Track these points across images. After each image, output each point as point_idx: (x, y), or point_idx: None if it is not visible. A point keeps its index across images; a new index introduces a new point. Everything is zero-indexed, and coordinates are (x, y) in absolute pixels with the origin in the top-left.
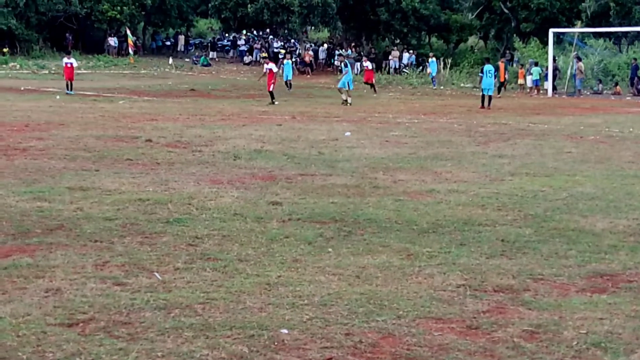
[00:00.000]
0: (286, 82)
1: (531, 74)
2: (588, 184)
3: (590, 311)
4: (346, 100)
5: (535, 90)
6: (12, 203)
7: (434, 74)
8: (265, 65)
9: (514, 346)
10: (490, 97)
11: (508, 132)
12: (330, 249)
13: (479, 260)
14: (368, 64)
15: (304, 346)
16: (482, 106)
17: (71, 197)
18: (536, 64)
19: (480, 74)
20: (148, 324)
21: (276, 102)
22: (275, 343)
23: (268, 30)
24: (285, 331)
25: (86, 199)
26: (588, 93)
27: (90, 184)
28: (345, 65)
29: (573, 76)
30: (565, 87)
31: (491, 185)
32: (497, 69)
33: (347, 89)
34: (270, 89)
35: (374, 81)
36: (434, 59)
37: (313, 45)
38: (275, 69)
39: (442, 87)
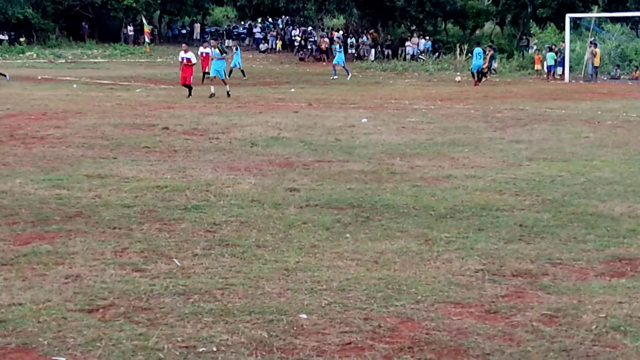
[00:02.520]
0: (233, 70)
1: (546, 59)
2: (606, 169)
3: (609, 295)
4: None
5: (550, 76)
6: (31, 191)
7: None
8: (201, 49)
9: (533, 330)
10: (479, 73)
11: (525, 118)
12: (348, 235)
13: (497, 245)
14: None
15: (322, 331)
16: (476, 82)
17: (89, 184)
18: (550, 50)
19: (470, 55)
20: (167, 309)
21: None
22: (294, 328)
23: (286, 18)
24: (304, 316)
25: (104, 187)
26: (605, 78)
27: (108, 171)
28: (340, 47)
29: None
30: (583, 73)
31: (508, 171)
32: (484, 54)
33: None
34: (189, 82)
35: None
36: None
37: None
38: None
39: (458, 73)
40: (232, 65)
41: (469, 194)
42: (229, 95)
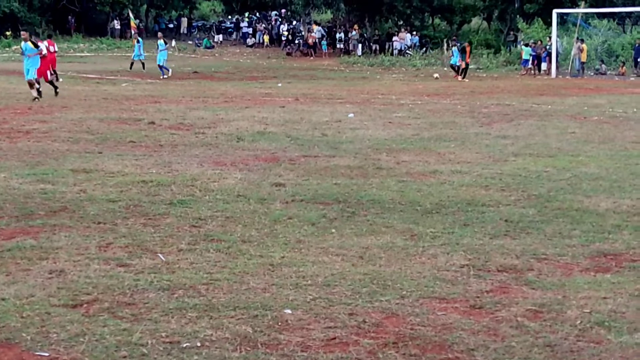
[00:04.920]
0: (161, 66)
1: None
2: (592, 164)
3: (594, 290)
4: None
5: (525, 71)
6: (16, 185)
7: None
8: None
9: (518, 325)
10: (458, 67)
11: (511, 113)
12: (333, 230)
13: (482, 241)
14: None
15: (307, 326)
16: (456, 75)
17: (74, 179)
18: (527, 45)
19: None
20: (152, 304)
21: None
22: (279, 323)
23: (274, 12)
24: (289, 311)
25: (89, 181)
26: (592, 74)
27: (93, 166)
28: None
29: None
30: (569, 68)
31: (495, 166)
32: (463, 50)
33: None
34: (49, 79)
35: None
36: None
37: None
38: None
39: (445, 69)
40: (136, 57)
41: (455, 189)
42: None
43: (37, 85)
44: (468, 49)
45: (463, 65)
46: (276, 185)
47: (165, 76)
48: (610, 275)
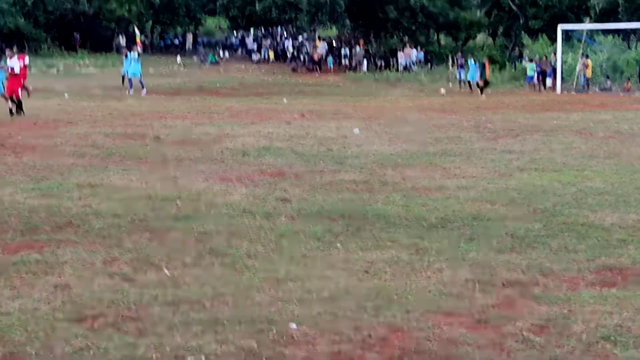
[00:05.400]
0: (123, 77)
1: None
2: (597, 179)
3: (599, 305)
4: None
5: (532, 87)
6: (21, 200)
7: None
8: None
9: (523, 340)
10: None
11: (517, 128)
12: (339, 245)
13: (488, 255)
14: None
15: (312, 341)
16: (472, 91)
17: (80, 193)
18: (531, 61)
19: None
20: (157, 319)
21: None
22: (284, 338)
23: (278, 28)
24: (294, 326)
25: (95, 196)
26: (597, 90)
27: (98, 180)
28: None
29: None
30: (574, 84)
31: (500, 181)
32: (482, 67)
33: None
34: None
35: None
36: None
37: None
38: (17, 69)
39: (450, 84)
40: (128, 73)
41: (460, 204)
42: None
43: (8, 104)
44: (487, 65)
45: (482, 83)
46: (282, 200)
47: (131, 91)
48: (616, 289)
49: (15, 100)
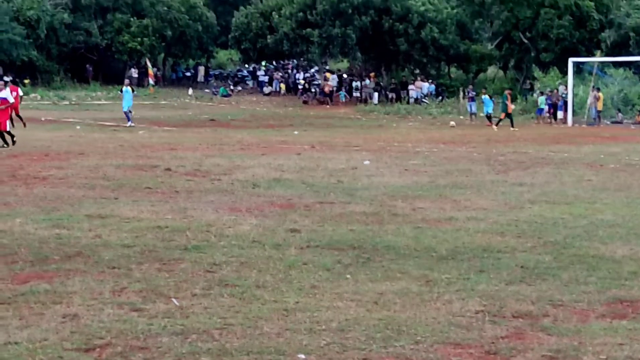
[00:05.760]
0: (126, 113)
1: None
2: (608, 212)
3: (609, 337)
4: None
5: (540, 119)
6: (31, 230)
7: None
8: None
9: None
10: (507, 116)
11: (528, 161)
12: (348, 275)
13: (497, 287)
14: None
15: None
16: (491, 124)
17: (90, 224)
18: (542, 94)
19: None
20: (165, 349)
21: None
22: None
23: (294, 60)
24: (303, 356)
25: (105, 227)
26: (608, 122)
27: (109, 211)
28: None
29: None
30: (586, 117)
31: (510, 213)
32: (505, 99)
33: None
34: (7, 128)
35: None
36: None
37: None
38: (11, 99)
39: (461, 117)
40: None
41: (470, 235)
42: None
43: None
44: (509, 97)
45: (502, 116)
46: (291, 231)
47: (132, 124)
48: (627, 321)
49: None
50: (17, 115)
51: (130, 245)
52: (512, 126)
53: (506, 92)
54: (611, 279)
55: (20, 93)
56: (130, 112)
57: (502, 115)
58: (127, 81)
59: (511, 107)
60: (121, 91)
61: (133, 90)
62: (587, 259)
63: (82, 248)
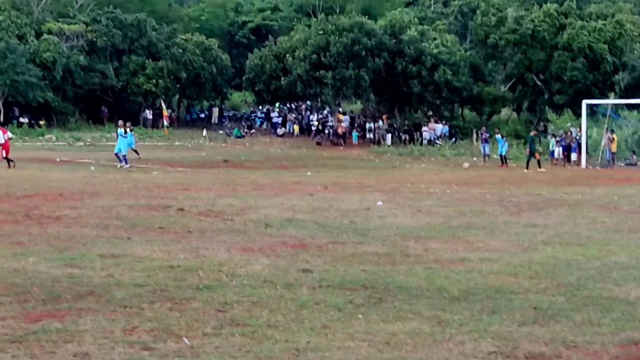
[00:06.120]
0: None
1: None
2: (622, 253)
3: None
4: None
5: (555, 162)
6: (44, 269)
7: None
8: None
9: None
10: (532, 156)
11: (541, 202)
12: (360, 316)
13: (510, 328)
14: None
15: None
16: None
17: (102, 263)
18: (553, 136)
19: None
20: None
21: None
22: None
23: (308, 102)
24: None
25: (117, 266)
26: (622, 164)
27: (121, 251)
28: (131, 131)
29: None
30: (599, 159)
31: (523, 254)
32: (531, 141)
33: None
34: None
35: None
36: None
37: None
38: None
39: (474, 159)
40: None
41: (483, 276)
42: None
43: None
44: (534, 139)
45: (537, 156)
46: (303, 271)
47: (127, 165)
48: None
49: None
50: (6, 157)
51: (142, 284)
52: (527, 168)
53: (532, 133)
54: (625, 320)
55: (10, 135)
56: (124, 155)
57: (537, 156)
58: (120, 122)
59: (527, 150)
60: (131, 130)
61: (125, 132)
62: (600, 301)
63: (94, 287)
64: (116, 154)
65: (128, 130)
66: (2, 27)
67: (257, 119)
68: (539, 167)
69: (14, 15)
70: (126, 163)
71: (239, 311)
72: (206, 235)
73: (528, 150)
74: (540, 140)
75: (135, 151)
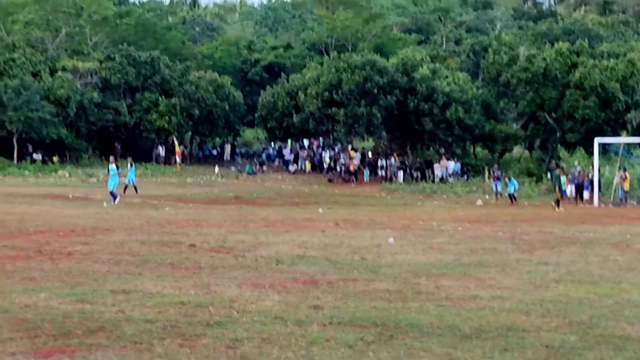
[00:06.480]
0: (129, 186)
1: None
2: (634, 292)
3: None
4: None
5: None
6: (55, 305)
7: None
8: None
9: None
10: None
11: (553, 240)
12: (370, 353)
13: None
14: None
15: None
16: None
17: (113, 299)
18: (565, 174)
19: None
20: None
21: None
22: None
23: (321, 139)
24: None
25: (128, 302)
26: (635, 203)
27: (132, 287)
28: (131, 165)
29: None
30: (612, 197)
31: (535, 292)
32: (558, 179)
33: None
34: None
35: None
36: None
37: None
38: None
39: (486, 196)
40: (126, 181)
41: (494, 314)
42: None
43: None
44: (561, 177)
45: (559, 195)
46: (314, 308)
47: (116, 202)
48: None
49: None
50: None
51: (152, 320)
52: (558, 206)
53: (557, 171)
54: (637, 359)
55: None
56: (111, 191)
57: (558, 195)
58: (112, 158)
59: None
60: (131, 165)
61: (117, 168)
62: (613, 339)
63: (104, 323)
64: (111, 193)
65: (129, 165)
66: (17, 64)
67: (263, 154)
68: (557, 206)
69: (29, 53)
70: (114, 199)
71: (250, 348)
72: (217, 271)
73: (558, 189)
74: (552, 178)
75: (135, 188)
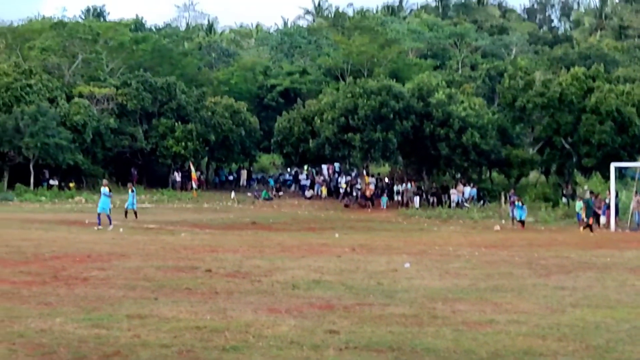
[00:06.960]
0: (129, 212)
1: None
2: None
3: None
4: None
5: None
6: (71, 330)
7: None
8: None
9: None
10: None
11: (570, 265)
12: None
13: None
14: None
15: None
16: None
17: (129, 324)
18: (580, 199)
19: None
20: None
21: None
22: None
23: (337, 164)
24: None
25: (144, 327)
26: None
27: (148, 311)
28: (132, 191)
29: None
30: (629, 222)
31: (552, 316)
32: (587, 204)
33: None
34: None
35: None
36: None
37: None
38: None
39: (503, 221)
40: (126, 206)
41: (511, 338)
42: None
43: None
44: (595, 201)
45: (590, 221)
46: (330, 332)
47: (111, 226)
48: None
49: None
50: None
51: (168, 345)
52: (592, 230)
53: (587, 195)
54: None
55: None
56: (108, 215)
57: (591, 220)
58: (105, 181)
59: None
60: (132, 190)
61: (110, 191)
62: None
63: (120, 347)
64: (107, 215)
65: (130, 190)
66: (33, 90)
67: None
68: (584, 227)
69: (46, 79)
70: (99, 223)
71: None
72: (233, 296)
73: (592, 213)
74: (569, 203)
75: (135, 212)
